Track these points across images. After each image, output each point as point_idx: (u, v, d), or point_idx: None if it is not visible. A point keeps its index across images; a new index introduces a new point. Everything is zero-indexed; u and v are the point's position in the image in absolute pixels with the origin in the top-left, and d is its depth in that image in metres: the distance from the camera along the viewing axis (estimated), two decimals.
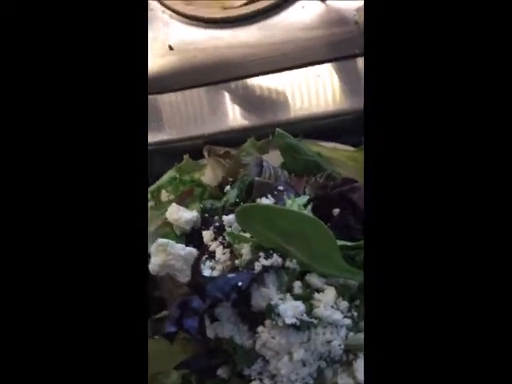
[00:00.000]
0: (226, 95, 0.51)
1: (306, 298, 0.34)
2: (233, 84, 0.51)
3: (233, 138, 0.50)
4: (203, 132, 0.51)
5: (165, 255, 0.38)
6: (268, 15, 0.52)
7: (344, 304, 0.34)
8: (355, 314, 0.34)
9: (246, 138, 0.48)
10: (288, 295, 0.34)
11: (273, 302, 0.33)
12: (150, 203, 0.47)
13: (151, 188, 0.48)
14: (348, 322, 0.34)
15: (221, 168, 0.48)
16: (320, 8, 0.50)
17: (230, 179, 0.45)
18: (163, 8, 0.55)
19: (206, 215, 0.44)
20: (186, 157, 0.48)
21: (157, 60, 0.53)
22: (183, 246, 0.40)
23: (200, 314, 0.32)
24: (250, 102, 0.51)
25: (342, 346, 0.34)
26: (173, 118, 0.52)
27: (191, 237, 0.44)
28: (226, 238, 0.39)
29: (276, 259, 0.34)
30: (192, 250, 0.39)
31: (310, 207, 0.37)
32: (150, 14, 0.55)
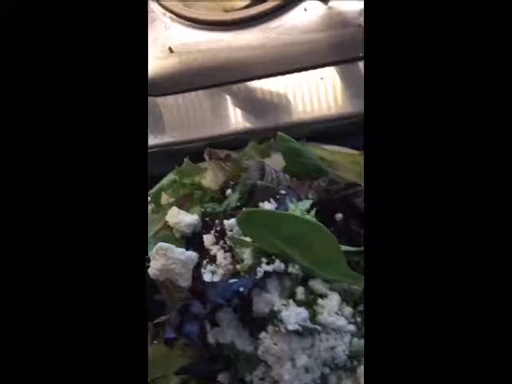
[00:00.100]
0: (228, 98, 0.51)
1: (310, 304, 0.33)
2: (234, 87, 0.51)
3: (234, 141, 0.49)
4: (204, 135, 0.50)
5: (165, 259, 0.38)
6: (270, 18, 0.52)
7: (348, 310, 0.34)
8: (359, 319, 0.34)
9: (248, 141, 0.48)
10: (291, 301, 0.33)
11: (275, 308, 0.32)
12: (150, 206, 0.47)
13: (151, 191, 0.47)
14: (352, 328, 0.33)
15: (222, 171, 0.48)
16: (322, 10, 0.50)
17: (232, 183, 0.44)
18: (164, 10, 0.55)
19: (207, 219, 0.44)
20: (186, 160, 0.48)
21: (157, 62, 0.52)
22: (183, 250, 0.39)
23: (200, 319, 0.31)
24: (251, 104, 0.51)
25: (346, 352, 0.33)
26: (173, 120, 0.51)
27: (192, 240, 0.44)
28: (228, 242, 0.39)
29: (278, 264, 0.34)
30: (192, 255, 0.38)
31: (313, 212, 0.36)
32: (150, 16, 0.54)
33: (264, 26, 0.52)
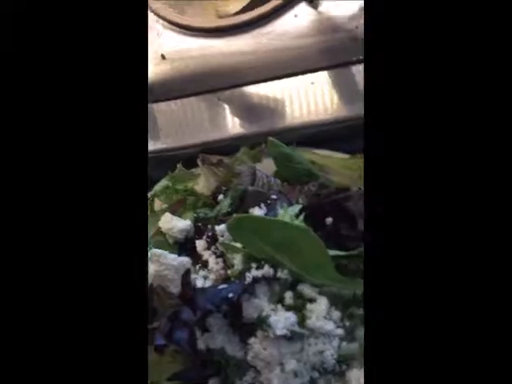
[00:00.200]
0: (220, 104, 0.51)
1: (298, 308, 0.34)
2: (227, 93, 0.51)
3: (227, 147, 0.50)
4: (197, 141, 0.51)
5: (158, 265, 0.38)
6: (261, 23, 0.52)
7: (337, 314, 0.34)
8: (348, 323, 0.34)
9: (241, 146, 0.48)
10: (279, 306, 0.33)
11: (264, 313, 0.33)
12: None
13: None
14: (340, 332, 0.34)
15: (214, 177, 0.48)
16: (313, 16, 0.51)
17: (224, 188, 0.45)
18: (156, 18, 0.55)
19: (200, 224, 0.44)
20: (179, 166, 0.48)
21: (150, 69, 0.53)
22: (176, 256, 0.40)
23: (190, 326, 0.31)
24: (244, 110, 0.51)
25: (335, 356, 0.33)
26: (166, 126, 0.52)
27: (185, 246, 0.44)
28: (219, 247, 0.39)
29: (267, 270, 0.34)
30: (184, 260, 0.39)
31: (302, 217, 0.37)
32: None
33: (256, 32, 0.52)
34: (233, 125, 0.51)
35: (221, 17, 0.63)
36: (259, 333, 0.33)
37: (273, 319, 0.32)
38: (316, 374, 0.34)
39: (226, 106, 0.51)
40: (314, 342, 0.33)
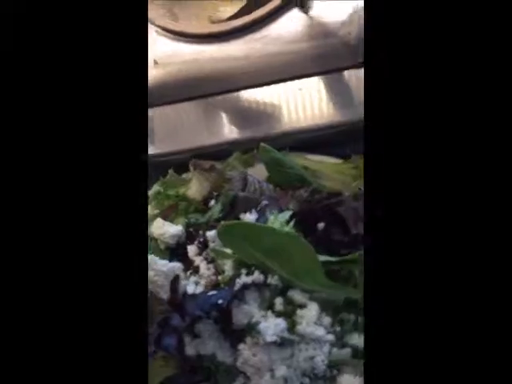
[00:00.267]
0: (213, 109, 0.51)
1: (289, 314, 0.33)
2: (220, 98, 0.51)
3: (219, 152, 0.50)
4: (189, 146, 0.51)
5: (149, 271, 0.38)
6: (254, 29, 0.52)
7: (327, 320, 0.34)
8: (338, 329, 0.34)
9: (232, 151, 0.48)
10: (269, 312, 0.33)
11: (254, 320, 0.32)
12: None
13: None
14: (331, 337, 0.33)
15: (206, 182, 0.48)
16: (305, 22, 0.51)
17: (215, 194, 0.45)
18: (149, 24, 0.55)
19: (191, 230, 0.44)
20: (170, 171, 0.48)
21: None
22: (166, 262, 0.39)
23: (179, 332, 0.31)
24: (237, 115, 0.51)
25: (325, 362, 0.33)
26: (158, 132, 0.52)
27: (176, 251, 0.44)
28: (210, 253, 0.39)
29: (257, 276, 0.34)
30: (175, 266, 0.39)
31: (292, 223, 0.37)
32: None
33: (248, 38, 0.52)
34: (225, 130, 0.51)
35: (214, 22, 0.63)
36: (249, 339, 0.33)
37: (263, 326, 0.32)
38: (306, 380, 0.33)
39: (219, 112, 0.51)
40: (304, 347, 0.33)
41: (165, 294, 0.36)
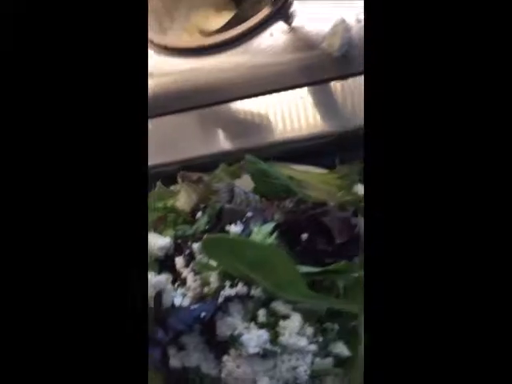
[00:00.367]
0: (201, 121, 0.52)
1: (271, 325, 0.34)
2: (207, 110, 0.52)
3: (207, 164, 0.50)
4: (177, 158, 0.51)
5: None
6: (243, 41, 0.53)
7: (310, 330, 0.34)
8: (321, 339, 0.34)
9: (220, 163, 0.49)
10: (252, 324, 0.34)
11: (236, 332, 0.33)
12: None
13: None
14: (314, 347, 0.34)
15: (194, 193, 0.49)
16: (291, 34, 0.51)
17: (202, 205, 0.45)
18: None
19: (179, 241, 0.44)
20: (159, 183, 0.49)
21: None
22: (154, 274, 0.40)
23: (163, 346, 0.32)
24: (225, 127, 0.52)
25: (308, 372, 0.34)
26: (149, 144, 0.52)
27: (165, 263, 0.45)
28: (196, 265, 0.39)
29: (241, 288, 0.35)
30: (162, 279, 0.39)
31: (275, 235, 0.37)
32: None
33: (235, 50, 0.53)
34: (213, 142, 0.51)
35: (203, 33, 0.64)
36: (233, 351, 0.33)
37: (245, 337, 0.32)
38: None
39: (207, 124, 0.52)
40: (287, 358, 0.33)
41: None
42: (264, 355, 0.33)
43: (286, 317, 0.34)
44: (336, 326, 0.35)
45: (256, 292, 0.35)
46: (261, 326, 0.34)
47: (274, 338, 0.33)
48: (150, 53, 0.55)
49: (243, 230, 0.40)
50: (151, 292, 0.39)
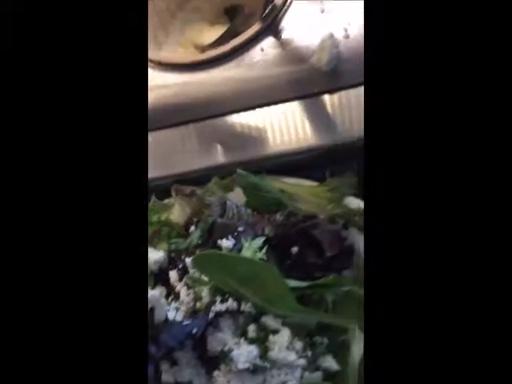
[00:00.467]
0: (193, 135, 0.53)
1: (261, 340, 0.34)
2: (199, 124, 0.53)
3: (200, 177, 0.51)
4: (171, 172, 0.52)
5: None
6: (232, 56, 0.54)
7: (299, 344, 0.35)
8: (310, 353, 0.35)
9: (212, 176, 0.50)
10: (242, 339, 0.34)
11: (226, 348, 0.33)
12: None
13: None
14: (303, 362, 0.35)
15: (188, 207, 0.49)
16: (280, 49, 0.52)
17: (195, 219, 0.46)
18: None
19: (173, 255, 0.45)
20: (153, 198, 0.49)
21: None
22: (148, 288, 0.41)
23: (156, 361, 0.32)
24: (218, 140, 0.53)
25: None
26: None
27: (159, 277, 0.45)
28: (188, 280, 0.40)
29: (231, 303, 0.35)
30: (155, 294, 0.40)
31: (264, 250, 0.38)
32: None
33: (227, 65, 0.54)
34: (205, 155, 0.52)
35: (197, 47, 0.65)
36: (223, 366, 0.34)
37: (235, 353, 0.33)
38: None
39: (200, 138, 0.53)
40: (276, 373, 0.34)
41: None
42: (254, 370, 0.33)
43: (275, 331, 0.35)
44: (325, 340, 0.36)
45: (246, 307, 0.35)
46: (251, 341, 0.34)
47: (264, 353, 0.34)
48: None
49: (234, 245, 0.40)
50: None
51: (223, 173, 0.50)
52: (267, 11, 0.52)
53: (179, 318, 0.39)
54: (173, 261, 0.45)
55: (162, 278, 0.45)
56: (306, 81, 0.50)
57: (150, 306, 0.38)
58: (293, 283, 0.35)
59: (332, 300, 0.36)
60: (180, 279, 0.42)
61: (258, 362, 0.33)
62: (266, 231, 0.42)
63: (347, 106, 0.48)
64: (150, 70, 0.55)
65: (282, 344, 0.34)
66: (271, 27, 0.52)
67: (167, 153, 0.53)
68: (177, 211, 0.50)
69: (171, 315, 0.40)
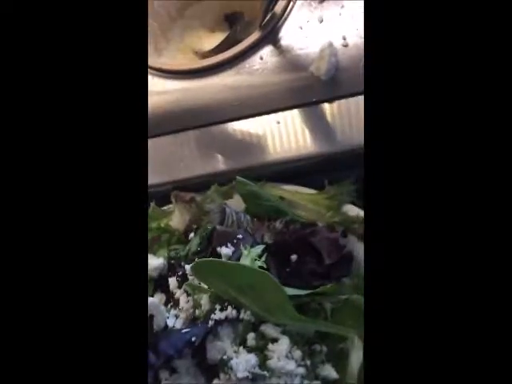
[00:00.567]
0: (193, 142, 0.53)
1: (260, 349, 0.35)
2: (198, 131, 0.53)
3: (200, 184, 0.51)
4: (170, 178, 0.52)
5: None
6: (231, 65, 0.54)
7: (298, 353, 0.35)
8: (309, 362, 0.35)
9: (212, 183, 0.50)
10: (241, 348, 0.34)
11: (226, 356, 0.34)
12: None
13: None
14: (302, 370, 0.35)
15: (188, 213, 0.50)
16: (279, 57, 0.53)
17: (194, 226, 0.46)
18: None
19: (172, 262, 0.45)
20: (152, 204, 0.49)
21: None
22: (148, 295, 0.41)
23: (155, 369, 0.32)
24: (216, 148, 0.53)
25: None
26: None
27: (159, 283, 0.46)
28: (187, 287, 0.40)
29: (231, 311, 0.35)
30: (155, 301, 0.40)
31: (264, 257, 0.38)
32: None
33: (226, 73, 0.54)
34: (205, 162, 0.52)
35: (196, 54, 0.65)
36: (222, 375, 0.34)
37: (234, 362, 0.33)
38: None
39: (199, 145, 0.53)
40: (275, 381, 0.34)
41: None
42: (253, 379, 0.33)
43: (274, 340, 0.35)
44: (324, 348, 0.36)
45: (245, 315, 0.35)
46: (250, 349, 0.34)
47: (263, 362, 0.34)
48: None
49: (234, 252, 0.40)
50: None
51: (223, 180, 0.50)
52: (267, 19, 0.52)
53: (178, 325, 0.40)
54: (172, 267, 0.45)
55: (161, 284, 0.45)
56: (305, 89, 0.50)
57: (149, 313, 0.39)
58: (292, 291, 0.35)
59: (331, 308, 0.36)
60: (179, 286, 0.43)
61: (258, 370, 0.33)
62: (266, 238, 0.42)
63: (346, 115, 0.48)
64: (150, 77, 0.56)
65: (282, 353, 0.34)
66: (270, 35, 0.52)
67: (167, 159, 0.53)
68: (176, 218, 0.50)
69: (170, 322, 0.40)
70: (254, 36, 0.52)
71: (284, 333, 0.35)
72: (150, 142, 0.54)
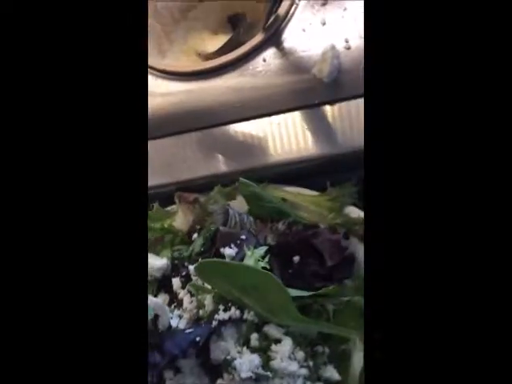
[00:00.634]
0: (196, 144, 0.53)
1: (263, 349, 0.35)
2: (200, 133, 0.53)
3: (203, 185, 0.52)
4: (173, 180, 0.53)
5: None
6: (234, 67, 0.55)
7: (300, 354, 0.35)
8: (311, 363, 0.35)
9: (215, 184, 0.50)
10: (245, 348, 0.35)
11: (229, 356, 0.34)
12: None
13: None
14: (304, 371, 0.35)
15: (191, 214, 0.50)
16: (282, 59, 0.53)
17: (198, 227, 0.46)
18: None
19: (176, 262, 0.46)
20: (155, 205, 0.50)
21: None
22: (151, 297, 0.41)
23: (159, 369, 0.33)
24: (219, 149, 0.53)
25: None
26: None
27: (162, 283, 0.46)
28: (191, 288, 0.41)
29: (234, 312, 0.36)
30: (158, 302, 0.40)
31: (267, 258, 0.38)
32: None
33: (230, 75, 0.55)
34: (208, 163, 0.53)
35: (199, 55, 0.66)
36: (225, 375, 0.34)
37: (238, 362, 0.33)
38: None
39: (202, 146, 0.53)
40: (278, 382, 0.34)
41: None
42: (256, 379, 0.34)
43: (277, 341, 0.36)
44: (326, 350, 0.36)
45: (249, 316, 0.36)
46: (253, 350, 0.35)
47: (266, 363, 0.34)
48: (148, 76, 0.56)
49: (237, 253, 0.41)
50: (149, 315, 0.40)
51: (226, 181, 0.51)
52: (270, 22, 0.53)
53: (182, 325, 0.40)
54: (176, 268, 0.45)
55: (165, 285, 0.45)
56: (308, 91, 0.50)
57: (154, 313, 0.39)
58: (294, 292, 0.36)
59: (333, 310, 0.37)
60: (183, 287, 0.43)
61: (261, 371, 0.34)
62: (268, 240, 0.42)
63: (348, 117, 0.49)
64: (153, 78, 0.56)
65: (284, 353, 0.34)
66: (273, 38, 0.52)
67: (170, 160, 0.53)
68: (180, 218, 0.50)
69: (174, 323, 0.40)
70: (257, 38, 0.53)
71: (287, 334, 0.36)
72: (154, 144, 0.54)
